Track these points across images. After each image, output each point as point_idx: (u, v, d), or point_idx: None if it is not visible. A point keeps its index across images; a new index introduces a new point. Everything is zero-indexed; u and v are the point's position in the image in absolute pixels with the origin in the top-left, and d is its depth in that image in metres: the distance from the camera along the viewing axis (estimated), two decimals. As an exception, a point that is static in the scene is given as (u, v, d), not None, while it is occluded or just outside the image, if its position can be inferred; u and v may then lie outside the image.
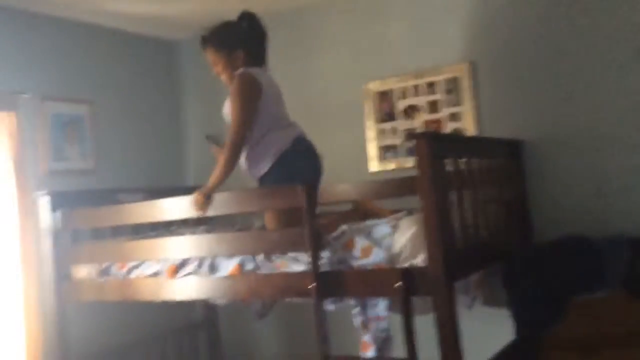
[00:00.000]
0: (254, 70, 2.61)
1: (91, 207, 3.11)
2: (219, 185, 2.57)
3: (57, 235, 3.11)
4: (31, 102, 3.28)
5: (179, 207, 2.71)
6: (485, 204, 2.56)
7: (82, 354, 3.16)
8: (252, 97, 2.55)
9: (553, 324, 2.42)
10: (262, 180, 2.60)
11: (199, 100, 4.18)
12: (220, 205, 2.60)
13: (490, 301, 2.89)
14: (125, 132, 3.84)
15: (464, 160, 2.38)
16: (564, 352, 2.48)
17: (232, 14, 2.72)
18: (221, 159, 2.56)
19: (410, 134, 2.22)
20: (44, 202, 3.13)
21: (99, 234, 3.23)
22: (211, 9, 3.38)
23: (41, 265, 3.10)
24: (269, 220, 2.60)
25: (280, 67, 3.80)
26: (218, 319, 3.94)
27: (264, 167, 2.58)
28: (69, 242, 3.14)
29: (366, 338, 2.31)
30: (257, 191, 2.61)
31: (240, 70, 2.61)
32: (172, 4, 3.52)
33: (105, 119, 3.72)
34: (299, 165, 2.55)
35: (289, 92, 3.84)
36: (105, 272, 2.99)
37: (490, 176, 2.66)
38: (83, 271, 3.07)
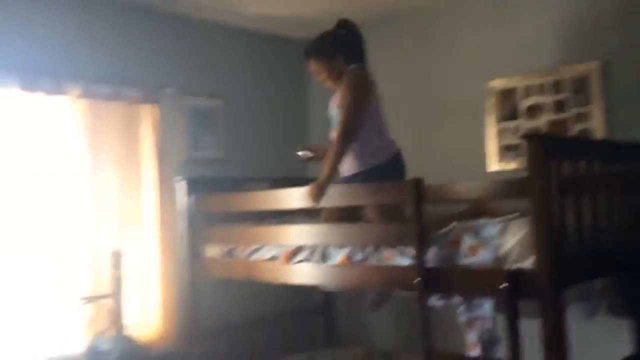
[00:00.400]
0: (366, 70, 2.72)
1: (222, 193, 3.40)
2: (332, 177, 2.69)
3: (191, 218, 3.45)
4: (172, 96, 3.62)
5: (295, 197, 2.88)
6: (611, 209, 2.43)
7: (210, 324, 3.45)
8: (366, 91, 2.68)
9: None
10: (347, 180, 2.68)
11: (323, 97, 4.33)
12: (332, 197, 2.72)
13: (616, 311, 2.74)
14: (255, 125, 4.10)
15: (583, 163, 2.29)
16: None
17: (361, 14, 2.81)
18: (331, 151, 2.68)
19: (524, 134, 2.17)
20: (181, 187, 3.47)
21: (228, 217, 3.51)
22: (343, 9, 3.49)
23: (177, 244, 3.45)
24: (373, 215, 2.68)
25: (404, 66, 3.88)
26: (336, 305, 4.10)
27: (354, 169, 2.67)
28: (202, 224, 3.46)
29: (470, 337, 2.32)
30: (368, 186, 2.70)
31: (353, 66, 2.72)
32: (307, 5, 3.69)
33: (237, 113, 4.00)
34: (389, 180, 2.63)
35: (411, 91, 3.89)
36: (230, 253, 3.26)
37: (619, 181, 2.51)
38: (212, 251, 3.37)
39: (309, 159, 3.05)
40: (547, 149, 2.07)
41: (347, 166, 2.75)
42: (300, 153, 3.06)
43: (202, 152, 3.81)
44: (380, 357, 3.40)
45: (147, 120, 3.47)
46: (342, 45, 2.82)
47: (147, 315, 3.28)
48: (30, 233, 2.98)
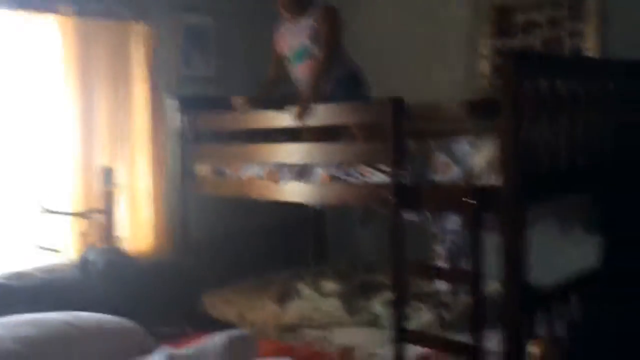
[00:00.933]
0: None
1: (212, 112, 3.45)
2: (315, 97, 2.79)
3: (182, 135, 3.52)
4: (164, 13, 3.59)
5: (283, 116, 2.94)
6: (589, 129, 2.44)
7: (199, 237, 3.58)
8: (342, 27, 2.98)
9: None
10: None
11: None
12: (318, 116, 2.78)
13: (589, 228, 2.82)
14: (246, 44, 4.06)
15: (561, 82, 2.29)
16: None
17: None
18: (314, 74, 2.81)
19: (500, 51, 2.18)
20: (172, 105, 3.53)
21: (218, 135, 3.57)
22: None
23: (168, 161, 3.54)
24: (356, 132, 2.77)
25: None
26: (325, 219, 4.22)
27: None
28: (192, 142, 3.53)
29: (438, 249, 2.43)
30: (351, 105, 2.74)
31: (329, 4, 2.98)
32: None
33: (228, 31, 3.96)
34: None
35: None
36: (221, 171, 3.36)
37: (601, 100, 2.51)
38: (204, 168, 3.46)
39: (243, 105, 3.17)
40: (519, 67, 2.07)
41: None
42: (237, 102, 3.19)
43: (193, 71, 3.82)
44: (362, 270, 3.55)
45: (137, 38, 3.46)
46: None
47: (138, 230, 3.40)
48: (23, 151, 3.06)
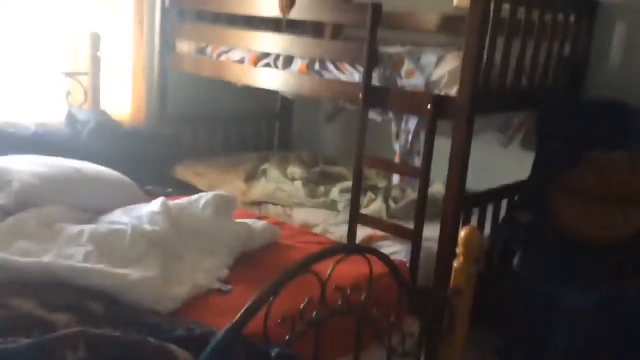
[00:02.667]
0: None
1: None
2: None
3: (165, 12, 3.63)
4: None
5: (267, 5, 3.09)
6: (537, 54, 2.74)
7: (176, 112, 3.81)
8: None
9: (564, 169, 2.72)
10: None
11: None
12: (300, 10, 2.95)
13: (527, 144, 3.19)
14: None
15: (522, 9, 2.54)
16: (570, 197, 2.79)
17: None
18: None
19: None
20: (159, -21, 3.60)
21: (201, 16, 3.70)
22: None
23: (151, 35, 3.67)
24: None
25: None
26: (293, 113, 4.49)
27: None
28: (175, 19, 3.65)
29: (396, 147, 2.75)
30: (333, 3, 2.93)
31: None
32: None
33: None
34: None
35: None
36: (201, 51, 3.53)
37: (552, 29, 2.80)
38: (185, 46, 3.62)
39: None
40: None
41: None
42: None
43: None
44: (322, 161, 3.86)
45: None
46: None
47: (120, 97, 3.59)
48: (17, 15, 3.14)
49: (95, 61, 3.35)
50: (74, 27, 3.28)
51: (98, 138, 2.84)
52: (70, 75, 3.28)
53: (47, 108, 3.27)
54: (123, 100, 3.60)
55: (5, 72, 3.15)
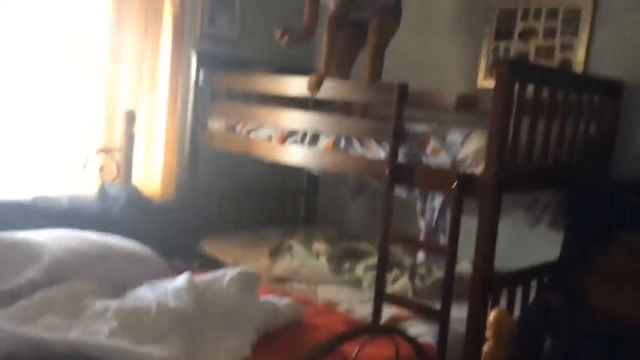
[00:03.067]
0: None
1: (229, 72, 3.70)
2: (328, 74, 3.03)
3: (198, 91, 3.78)
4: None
5: (296, 85, 3.20)
6: (563, 133, 2.76)
7: (204, 188, 3.89)
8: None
9: (595, 250, 2.66)
10: None
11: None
12: (328, 90, 3.05)
13: (555, 224, 3.14)
14: (270, 9, 4.28)
15: (547, 89, 2.58)
16: (603, 279, 2.71)
17: None
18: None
19: (497, 60, 2.45)
20: (193, 60, 3.78)
21: (232, 95, 3.84)
22: None
23: (184, 113, 3.80)
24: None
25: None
26: (318, 188, 4.54)
27: None
28: (208, 98, 3.80)
29: (421, 224, 2.74)
30: (359, 84, 3.02)
31: None
32: None
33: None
34: None
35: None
36: (231, 128, 3.63)
37: (577, 109, 2.82)
38: (216, 124, 3.73)
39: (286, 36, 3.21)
40: (512, 73, 2.36)
41: None
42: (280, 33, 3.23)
43: (216, 30, 4.04)
44: (348, 237, 3.85)
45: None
46: None
47: (151, 172, 3.68)
48: (54, 90, 3.30)
49: (129, 138, 3.47)
50: (109, 104, 3.42)
51: (129, 213, 2.90)
52: (104, 151, 3.40)
53: (80, 182, 3.37)
54: (154, 174, 3.69)
55: (40, 146, 3.28)
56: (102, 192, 3.09)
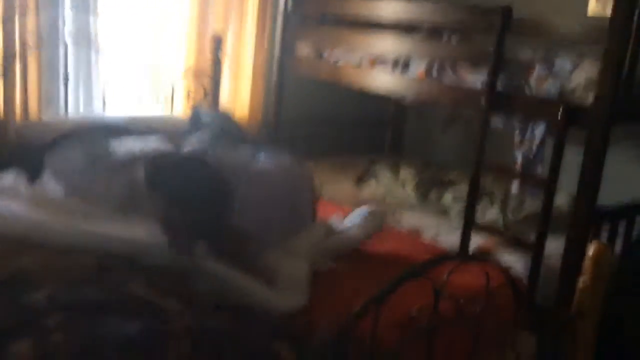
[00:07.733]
0: None
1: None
2: None
3: (287, 16, 3.69)
4: None
5: (391, 8, 3.06)
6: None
7: (291, 118, 3.87)
8: None
9: None
10: None
11: None
12: (425, 11, 2.91)
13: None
14: None
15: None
16: None
17: None
18: None
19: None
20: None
21: (322, 21, 3.72)
22: None
23: (272, 40, 3.74)
24: None
25: None
26: (405, 120, 4.42)
27: None
28: (298, 24, 3.70)
29: (517, 156, 2.60)
30: (461, 7, 2.84)
31: None
32: None
33: None
34: None
35: None
36: (319, 56, 3.54)
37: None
38: (304, 51, 3.66)
39: None
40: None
41: None
42: None
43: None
44: (434, 169, 3.73)
45: None
46: None
47: (239, 98, 3.70)
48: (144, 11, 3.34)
49: (217, 63, 3.47)
50: (198, 28, 3.42)
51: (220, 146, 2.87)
52: (192, 74, 3.43)
53: (166, 105, 3.46)
54: (241, 100, 3.70)
55: (129, 68, 3.35)
56: (195, 117, 3.12)
